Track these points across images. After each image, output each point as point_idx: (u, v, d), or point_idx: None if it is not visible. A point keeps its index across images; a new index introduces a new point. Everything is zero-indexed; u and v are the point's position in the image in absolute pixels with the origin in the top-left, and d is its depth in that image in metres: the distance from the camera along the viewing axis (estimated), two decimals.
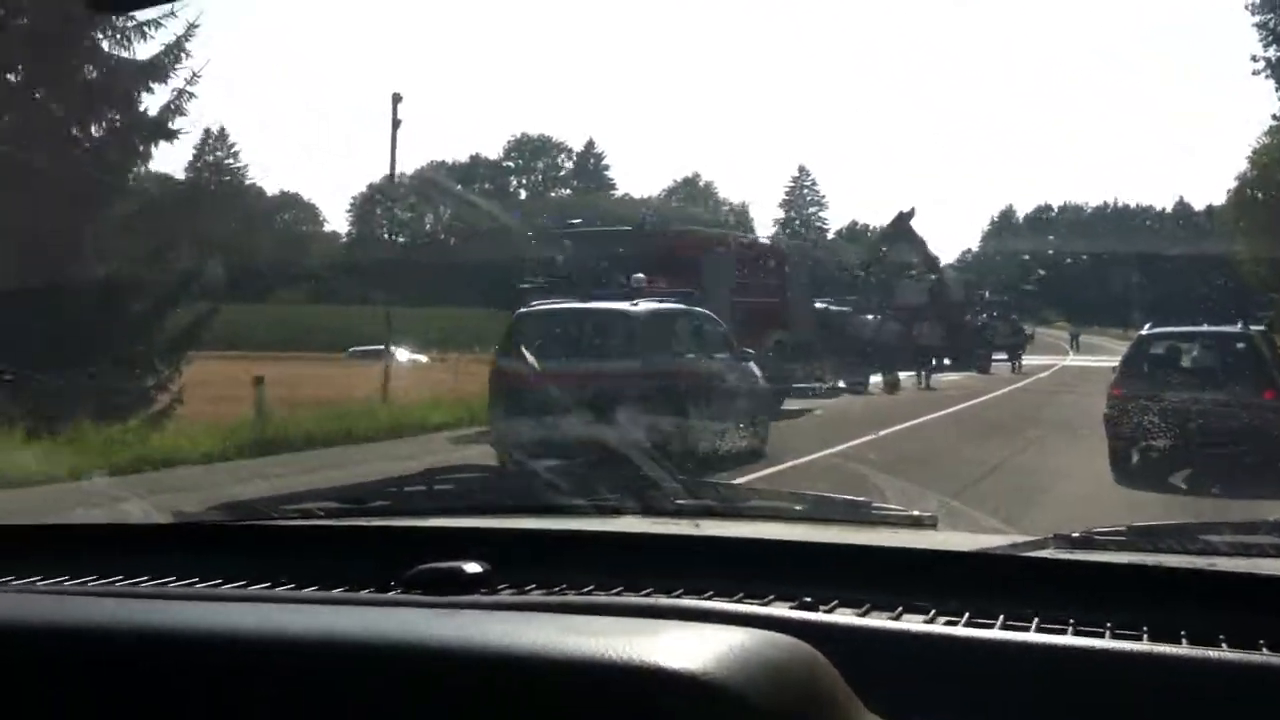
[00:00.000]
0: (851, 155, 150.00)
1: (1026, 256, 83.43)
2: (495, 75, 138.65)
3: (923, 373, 29.95)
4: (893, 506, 2.14)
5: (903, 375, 28.82)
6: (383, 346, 33.28)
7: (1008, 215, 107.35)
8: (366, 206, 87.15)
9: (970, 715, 1.29)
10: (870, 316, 33.04)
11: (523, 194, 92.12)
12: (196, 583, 1.73)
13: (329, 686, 1.17)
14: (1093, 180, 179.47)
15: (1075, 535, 1.81)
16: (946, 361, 39.00)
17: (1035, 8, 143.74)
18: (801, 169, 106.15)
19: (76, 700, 1.25)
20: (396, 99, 31.88)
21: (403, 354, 34.61)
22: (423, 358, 35.35)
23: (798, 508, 2.14)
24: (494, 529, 1.95)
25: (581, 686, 1.08)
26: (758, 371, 16.12)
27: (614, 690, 1.07)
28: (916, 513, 2.09)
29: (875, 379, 28.48)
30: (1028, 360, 43.46)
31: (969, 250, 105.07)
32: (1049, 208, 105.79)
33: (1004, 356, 42.51)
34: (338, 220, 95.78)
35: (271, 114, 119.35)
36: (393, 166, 32.28)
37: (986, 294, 51.58)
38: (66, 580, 1.76)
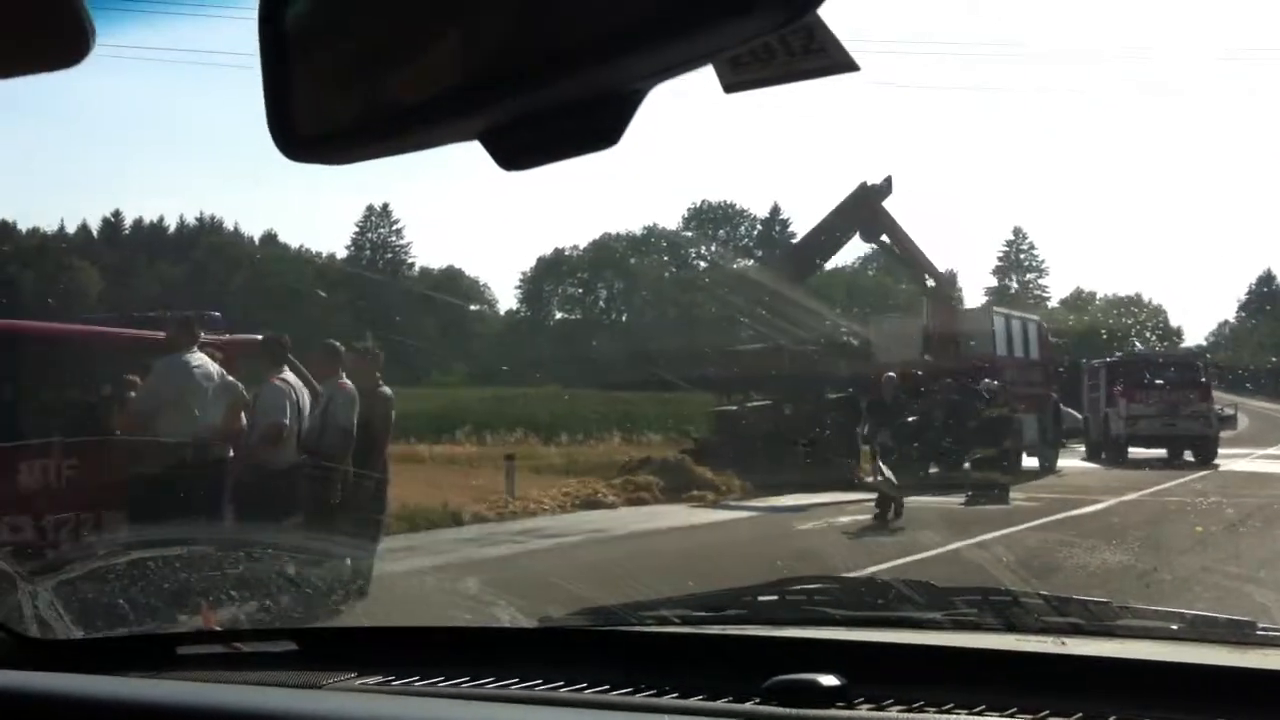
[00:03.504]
0: (1075, 216, 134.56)
1: None
2: (674, 140, 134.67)
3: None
4: None
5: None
6: None
7: (1267, 281, 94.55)
8: (534, 283, 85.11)
9: None
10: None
11: (701, 265, 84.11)
12: (561, 687, 1.80)
13: None
14: None
15: None
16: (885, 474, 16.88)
17: None
18: (1017, 232, 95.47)
19: None
20: None
21: None
22: None
23: (1174, 626, 2.02)
24: (849, 641, 1.94)
25: None
26: None
27: None
28: None
29: None
30: (1228, 453, 26.17)
31: (1225, 322, 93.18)
32: None
33: (1162, 452, 26.28)
34: (506, 297, 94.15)
35: (433, 188, 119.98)
36: None
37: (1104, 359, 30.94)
38: (441, 682, 1.87)
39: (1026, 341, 25.72)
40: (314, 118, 0.89)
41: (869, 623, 2.14)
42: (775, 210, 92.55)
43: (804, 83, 0.87)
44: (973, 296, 68.88)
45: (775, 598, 2.31)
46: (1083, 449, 29.13)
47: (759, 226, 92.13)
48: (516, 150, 0.88)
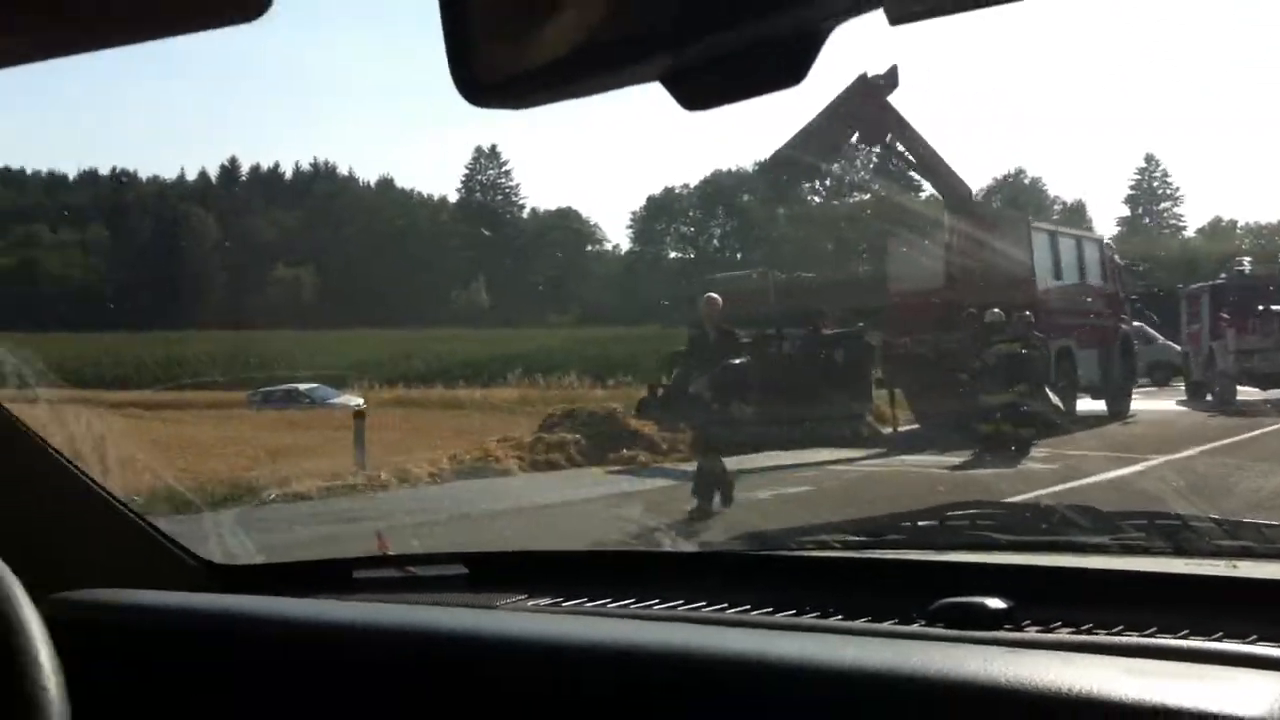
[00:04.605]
0: (1215, 140, 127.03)
1: None
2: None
3: None
4: None
5: None
6: (294, 386, 24.06)
7: None
8: (645, 223, 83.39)
9: None
10: None
11: (815, 200, 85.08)
12: (726, 608, 1.84)
13: (861, 718, 1.21)
14: None
15: None
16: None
17: None
18: (1149, 158, 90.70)
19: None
20: None
21: (332, 397, 25.47)
22: (357, 400, 23.91)
23: None
24: (1014, 565, 1.94)
25: None
26: None
27: None
28: None
29: None
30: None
31: None
32: None
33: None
34: (619, 238, 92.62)
35: (545, 127, 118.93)
36: None
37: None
38: (610, 603, 1.92)
39: (1082, 264, 21.66)
40: (496, 61, 0.88)
41: (1033, 547, 2.14)
42: (891, 141, 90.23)
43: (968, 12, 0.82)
44: (1104, 227, 65.98)
45: (935, 523, 2.31)
46: (1183, 389, 25.77)
47: (875, 158, 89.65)
48: (700, 91, 0.87)
